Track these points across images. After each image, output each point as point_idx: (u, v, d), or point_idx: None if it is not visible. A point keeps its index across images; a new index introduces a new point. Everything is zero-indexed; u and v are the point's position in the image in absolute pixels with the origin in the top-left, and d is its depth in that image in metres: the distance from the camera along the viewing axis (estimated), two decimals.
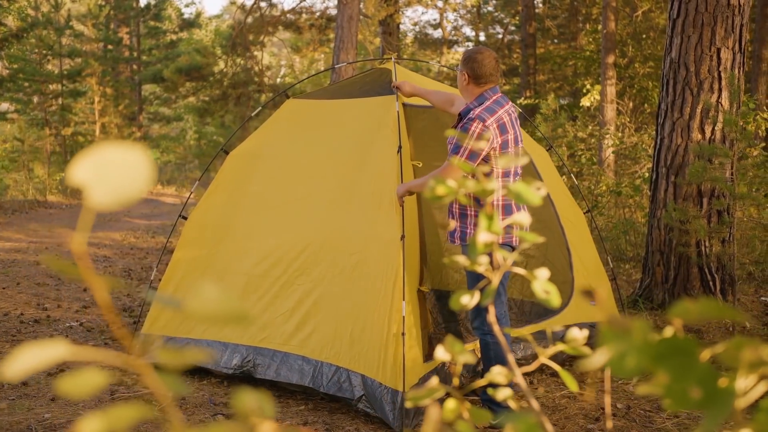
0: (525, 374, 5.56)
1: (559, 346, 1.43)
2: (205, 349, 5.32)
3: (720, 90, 6.54)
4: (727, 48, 6.54)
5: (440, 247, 6.40)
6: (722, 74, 6.53)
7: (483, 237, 1.25)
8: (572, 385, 1.40)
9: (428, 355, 4.88)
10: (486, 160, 4.36)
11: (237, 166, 5.82)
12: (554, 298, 1.36)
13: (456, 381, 1.29)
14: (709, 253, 6.64)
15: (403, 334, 4.49)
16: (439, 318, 5.85)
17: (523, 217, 1.37)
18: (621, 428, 4.59)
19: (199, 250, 5.67)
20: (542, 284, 1.36)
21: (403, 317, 4.54)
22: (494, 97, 4.45)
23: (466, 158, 4.27)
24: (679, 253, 6.68)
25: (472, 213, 4.44)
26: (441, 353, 1.27)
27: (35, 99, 24.03)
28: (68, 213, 16.91)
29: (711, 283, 6.71)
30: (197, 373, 5.40)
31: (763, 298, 7.26)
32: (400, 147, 4.91)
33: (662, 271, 6.83)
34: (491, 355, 4.46)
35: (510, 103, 4.55)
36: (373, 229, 4.85)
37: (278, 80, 30.03)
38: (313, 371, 4.80)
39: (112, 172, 0.60)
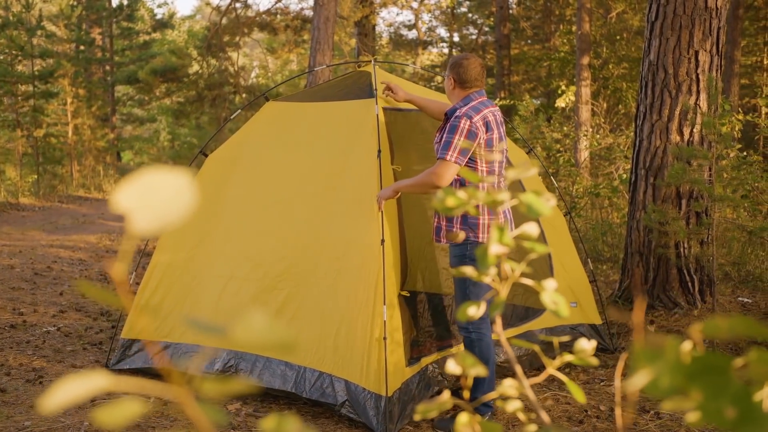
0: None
1: (567, 357, 1.42)
2: (184, 353, 5.27)
3: (698, 92, 6.58)
4: (705, 50, 6.58)
5: (428, 249, 6.38)
6: (700, 76, 6.57)
7: (495, 249, 1.23)
8: (580, 396, 1.39)
9: (411, 359, 4.87)
10: (472, 158, 4.44)
11: (216, 169, 5.77)
12: (563, 309, 1.35)
13: (467, 394, 1.28)
14: (687, 255, 6.68)
15: (384, 338, 4.49)
16: (428, 320, 5.83)
17: (532, 228, 1.36)
18: (605, 430, 4.60)
19: (177, 253, 5.62)
20: (550, 295, 1.35)
21: (384, 321, 4.55)
22: (480, 99, 4.60)
23: (458, 154, 4.37)
24: (658, 254, 6.72)
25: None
26: (452, 366, 1.25)
27: (6, 100, 23.73)
28: (41, 215, 16.72)
29: (690, 284, 6.75)
30: None
31: (740, 299, 7.32)
32: (379, 151, 4.90)
33: (641, 273, 6.86)
34: (476, 353, 4.50)
35: (495, 105, 4.67)
36: (355, 233, 4.83)
37: (250, 81, 29.89)
38: (296, 377, 4.78)
39: (155, 197, 0.58)
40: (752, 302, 7.19)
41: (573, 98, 17.11)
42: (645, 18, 6.97)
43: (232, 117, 6.41)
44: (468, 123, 4.39)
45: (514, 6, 24.54)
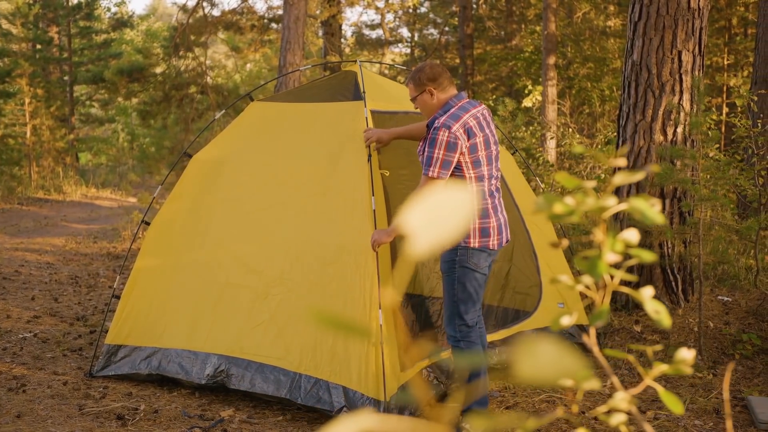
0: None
1: (663, 367, 1.37)
2: (174, 358, 5.15)
3: (681, 92, 6.60)
4: (688, 51, 6.60)
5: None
6: (683, 76, 6.59)
7: (610, 257, 1.19)
8: (678, 408, 1.33)
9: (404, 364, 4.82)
10: (458, 167, 4.31)
11: (201, 171, 5.66)
12: (665, 318, 1.30)
13: (575, 408, 1.22)
14: (671, 254, 6.70)
15: (381, 342, 4.45)
16: (421, 324, 5.77)
17: (631, 235, 1.31)
18: (602, 431, 4.58)
19: (164, 258, 5.50)
20: (652, 304, 1.30)
21: (381, 325, 4.50)
22: (459, 104, 4.42)
23: (440, 168, 4.23)
24: None
25: None
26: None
27: None
28: (1, 218, 16.38)
29: (673, 283, 6.77)
30: (166, 383, 5.23)
31: (719, 297, 7.36)
32: (369, 156, 4.86)
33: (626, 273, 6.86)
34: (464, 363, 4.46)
35: (481, 105, 4.52)
36: (347, 238, 4.78)
37: (210, 80, 29.52)
38: (290, 383, 4.69)
39: (438, 218, 0.52)
40: (732, 301, 7.24)
41: (540, 98, 17.18)
42: (627, 18, 6.98)
43: (217, 116, 6.31)
44: (447, 134, 4.21)
45: (476, 5, 24.57)
